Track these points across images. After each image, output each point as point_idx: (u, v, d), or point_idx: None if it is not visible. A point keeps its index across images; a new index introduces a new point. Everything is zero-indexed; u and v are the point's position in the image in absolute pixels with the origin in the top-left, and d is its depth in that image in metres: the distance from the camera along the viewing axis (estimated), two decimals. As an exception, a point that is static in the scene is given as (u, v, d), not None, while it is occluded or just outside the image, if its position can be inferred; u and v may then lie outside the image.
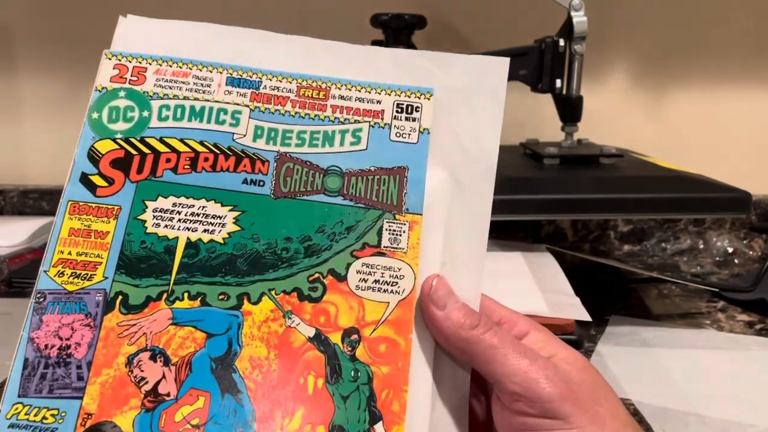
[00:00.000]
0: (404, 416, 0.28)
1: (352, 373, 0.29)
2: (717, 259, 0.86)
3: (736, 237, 0.89)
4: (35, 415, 0.27)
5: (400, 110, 0.33)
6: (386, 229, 0.31)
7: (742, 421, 0.45)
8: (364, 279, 0.30)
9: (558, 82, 0.72)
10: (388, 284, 0.30)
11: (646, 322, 0.63)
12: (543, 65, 0.72)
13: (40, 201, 0.94)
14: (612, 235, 0.90)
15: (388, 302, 0.30)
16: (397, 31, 0.74)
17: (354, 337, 0.29)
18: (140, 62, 0.34)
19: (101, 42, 1.02)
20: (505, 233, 0.79)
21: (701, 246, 0.89)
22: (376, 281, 0.30)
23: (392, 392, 0.29)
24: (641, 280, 0.76)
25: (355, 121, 0.33)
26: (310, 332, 0.29)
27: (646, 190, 0.63)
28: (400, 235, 0.31)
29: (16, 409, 0.27)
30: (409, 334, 0.30)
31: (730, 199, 0.63)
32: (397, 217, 0.31)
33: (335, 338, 0.29)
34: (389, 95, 0.33)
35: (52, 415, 0.27)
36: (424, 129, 0.33)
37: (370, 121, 0.33)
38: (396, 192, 0.31)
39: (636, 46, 0.91)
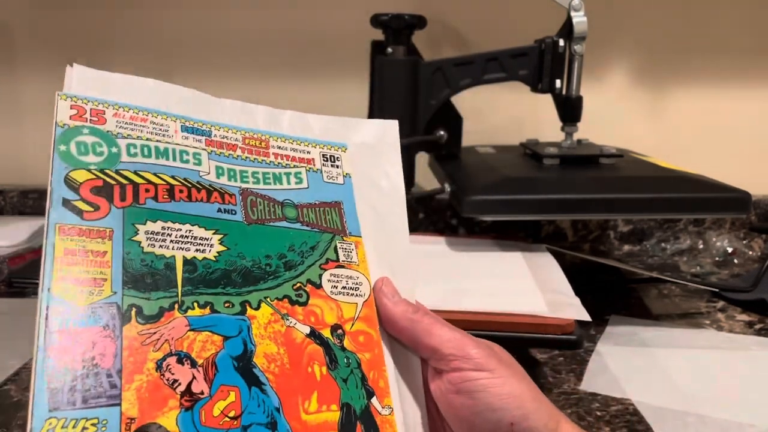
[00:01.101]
0: (389, 390, 0.35)
1: (345, 360, 0.34)
2: (717, 259, 0.86)
3: (736, 237, 0.89)
4: (74, 427, 0.27)
5: (325, 159, 0.40)
6: (340, 248, 0.38)
7: (741, 421, 0.45)
8: (335, 285, 0.36)
9: (558, 83, 0.72)
10: (352, 289, 0.37)
11: (645, 322, 0.63)
12: (543, 65, 0.72)
13: (40, 201, 0.94)
14: (612, 235, 0.90)
15: (357, 303, 0.36)
16: (397, 31, 0.74)
17: (339, 331, 0.35)
18: (96, 105, 0.36)
19: (101, 42, 1.03)
20: (505, 233, 0.79)
21: (701, 246, 0.89)
22: (344, 287, 0.37)
23: (376, 372, 0.35)
24: (641, 280, 0.76)
25: (294, 166, 0.39)
26: (306, 330, 0.34)
27: (646, 190, 0.63)
28: (351, 252, 0.38)
29: (50, 424, 0.26)
30: (377, 327, 0.36)
31: (729, 199, 0.63)
32: (345, 238, 0.38)
33: (326, 333, 0.35)
34: (315, 148, 0.40)
35: (93, 425, 0.27)
36: (346, 174, 0.41)
37: (305, 167, 0.40)
38: (338, 220, 0.38)
39: (636, 46, 0.91)
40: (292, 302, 0.34)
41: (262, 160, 0.38)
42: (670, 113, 0.93)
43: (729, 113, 0.92)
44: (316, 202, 0.38)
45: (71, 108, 0.36)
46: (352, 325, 0.36)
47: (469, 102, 0.79)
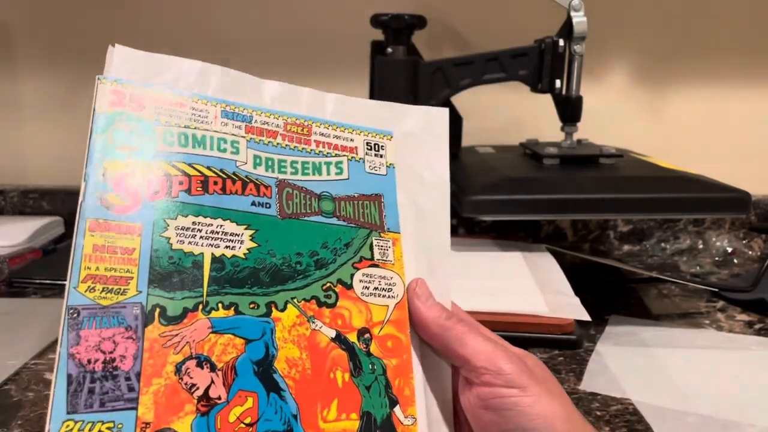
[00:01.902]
0: (414, 398, 0.34)
1: (370, 366, 0.33)
2: (716, 259, 0.86)
3: (736, 237, 0.89)
4: (90, 431, 0.27)
5: (369, 148, 0.39)
6: (376, 245, 0.36)
7: (741, 421, 0.45)
8: (366, 286, 0.35)
9: (558, 83, 0.72)
10: (384, 290, 0.35)
11: (645, 322, 0.63)
12: (543, 65, 0.72)
13: (40, 201, 0.94)
14: (612, 235, 0.90)
15: (388, 305, 0.35)
16: (397, 32, 0.74)
17: (366, 335, 0.34)
18: (137, 90, 0.35)
19: (101, 42, 1.02)
20: (505, 233, 0.79)
21: (701, 246, 0.89)
22: (375, 288, 0.35)
23: (402, 380, 0.34)
24: (641, 280, 0.76)
25: (336, 155, 0.38)
26: (332, 333, 0.33)
27: (645, 190, 0.63)
28: (387, 249, 0.36)
29: (68, 426, 0.27)
30: (407, 331, 0.35)
31: (729, 199, 0.63)
32: (382, 235, 0.37)
33: (352, 337, 0.34)
34: (359, 135, 0.39)
35: (108, 429, 0.27)
36: (390, 164, 0.39)
37: (347, 156, 0.38)
38: (377, 214, 0.37)
39: (636, 46, 0.91)
40: (320, 304, 0.34)
41: (303, 149, 0.37)
42: (670, 113, 0.93)
43: (729, 113, 0.92)
44: (356, 195, 0.37)
45: (111, 93, 0.35)
46: (381, 329, 0.34)
47: (469, 102, 0.79)
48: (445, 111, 0.41)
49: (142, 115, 0.34)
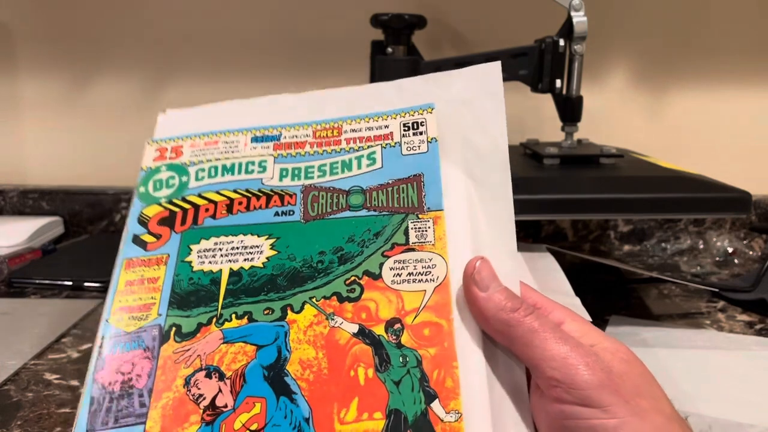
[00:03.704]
0: (459, 390, 0.29)
1: (401, 359, 0.30)
2: (717, 259, 0.86)
3: (736, 237, 0.89)
4: None
5: (406, 128, 0.36)
6: (412, 228, 0.33)
7: (742, 421, 0.45)
8: (398, 273, 0.32)
9: (558, 83, 0.72)
10: (421, 274, 0.32)
11: (646, 322, 0.63)
12: (543, 65, 0.72)
13: (40, 201, 0.94)
14: (612, 235, 0.90)
15: (425, 290, 0.32)
16: (397, 31, 0.74)
17: (397, 326, 0.31)
18: (177, 142, 0.39)
19: (101, 42, 1.03)
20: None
21: (701, 246, 0.89)
22: (410, 274, 0.32)
23: (443, 371, 0.30)
24: (641, 280, 0.76)
25: (368, 147, 0.36)
26: (354, 329, 0.31)
27: (646, 190, 0.63)
28: (426, 231, 0.33)
29: None
30: (450, 315, 0.31)
31: (730, 199, 0.63)
32: (420, 216, 0.34)
33: (379, 330, 0.31)
34: (395, 119, 0.37)
35: None
36: (431, 138, 0.36)
37: (381, 144, 0.36)
38: (415, 196, 0.34)
39: (636, 46, 0.91)
40: (341, 299, 0.32)
41: (332, 150, 0.37)
42: (670, 113, 0.93)
43: (729, 113, 0.92)
44: (390, 182, 0.35)
45: (155, 151, 0.39)
46: (416, 316, 0.31)
47: (469, 102, 0.79)
48: (497, 65, 0.37)
49: (179, 161, 0.38)
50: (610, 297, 0.70)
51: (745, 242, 0.89)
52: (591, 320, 0.54)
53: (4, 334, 0.59)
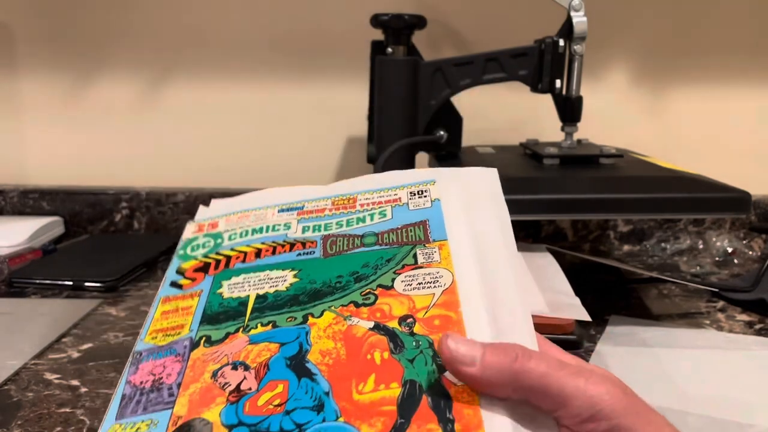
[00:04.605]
0: None
1: (414, 343, 0.32)
2: (717, 259, 0.86)
3: (736, 237, 0.89)
4: (131, 428, 0.30)
5: (412, 195, 0.42)
6: (420, 254, 0.37)
7: (741, 421, 0.45)
8: (409, 284, 0.35)
9: (558, 83, 0.72)
10: (430, 283, 0.35)
11: (645, 322, 0.63)
12: (543, 65, 0.72)
13: (40, 201, 0.94)
14: (612, 235, 0.90)
15: (434, 293, 0.34)
16: (397, 31, 0.74)
17: (409, 320, 0.33)
18: (213, 219, 0.45)
19: (101, 42, 1.03)
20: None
21: (701, 246, 0.89)
22: (419, 283, 0.35)
23: None
24: (641, 280, 0.76)
25: (380, 208, 0.41)
26: (369, 324, 0.33)
27: (646, 190, 0.63)
28: (432, 254, 0.37)
29: (114, 429, 0.31)
30: (458, 309, 0.33)
31: (729, 199, 0.63)
32: (427, 245, 0.37)
33: (392, 324, 0.33)
34: (402, 189, 0.42)
35: (146, 425, 0.30)
36: (435, 199, 0.41)
37: (391, 204, 0.41)
38: (422, 233, 0.38)
39: (636, 46, 0.91)
40: (358, 305, 0.34)
41: (348, 211, 0.42)
42: (670, 113, 0.93)
43: (729, 113, 0.92)
44: (399, 226, 0.39)
45: (194, 227, 0.44)
46: (426, 312, 0.33)
47: (469, 102, 0.79)
48: (494, 171, 0.42)
49: (215, 231, 0.43)
50: (610, 297, 0.70)
51: (744, 242, 0.89)
52: (591, 320, 0.55)
53: (5, 334, 0.59)
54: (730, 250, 0.88)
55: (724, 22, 0.90)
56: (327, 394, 0.30)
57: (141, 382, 0.33)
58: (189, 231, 0.44)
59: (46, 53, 0.93)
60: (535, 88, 0.73)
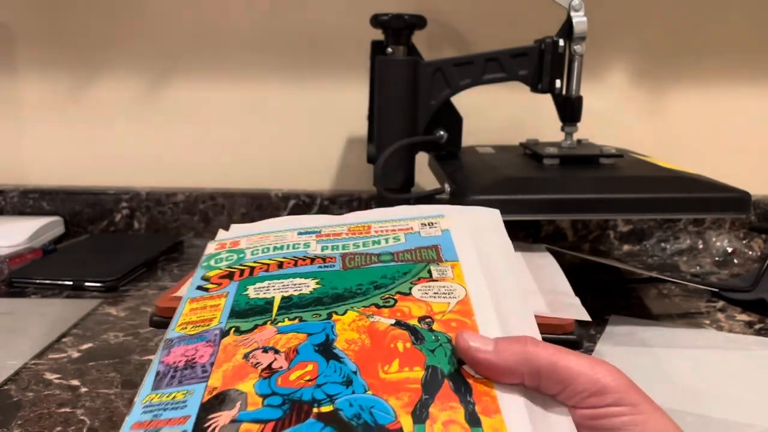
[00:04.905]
0: None
1: (433, 337, 0.34)
2: (716, 259, 0.86)
3: (736, 237, 0.89)
4: (167, 397, 0.32)
5: (423, 225, 0.45)
6: (434, 270, 0.40)
7: (741, 421, 0.45)
8: (425, 292, 0.38)
9: (558, 83, 0.72)
10: (445, 293, 0.38)
11: (645, 321, 0.63)
12: (543, 65, 0.72)
13: (40, 201, 0.94)
14: (612, 235, 0.90)
15: (449, 302, 0.37)
16: (397, 31, 0.74)
17: (428, 320, 0.35)
18: (234, 239, 0.47)
19: (101, 42, 1.03)
20: (505, 233, 0.79)
21: (701, 246, 0.89)
22: (435, 293, 0.38)
23: None
24: (641, 280, 0.76)
25: (393, 234, 0.45)
26: (391, 321, 0.36)
27: (645, 190, 0.63)
28: (446, 271, 0.40)
29: (150, 398, 0.32)
30: (472, 316, 0.36)
31: (729, 199, 0.63)
32: (440, 264, 0.41)
33: (413, 322, 0.35)
34: (413, 221, 0.46)
35: (182, 394, 0.32)
36: (444, 229, 0.44)
37: (404, 232, 0.45)
38: (435, 254, 0.42)
39: (635, 46, 0.91)
40: (379, 307, 0.37)
41: (363, 236, 0.45)
42: (670, 113, 0.93)
43: (729, 113, 0.92)
44: (413, 248, 0.42)
45: (215, 244, 0.47)
46: (443, 315, 0.36)
47: (469, 102, 0.79)
48: (496, 211, 0.46)
49: (237, 248, 0.45)
50: (610, 297, 0.70)
51: (744, 242, 0.89)
52: (591, 320, 0.55)
53: (5, 334, 0.59)
54: (729, 250, 0.88)
55: (723, 22, 0.90)
56: (355, 372, 0.32)
57: (174, 362, 0.34)
58: (211, 248, 0.47)
59: (46, 53, 0.93)
60: (535, 88, 0.73)
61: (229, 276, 0.42)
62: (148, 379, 0.33)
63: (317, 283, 0.40)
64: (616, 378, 0.30)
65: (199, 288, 0.41)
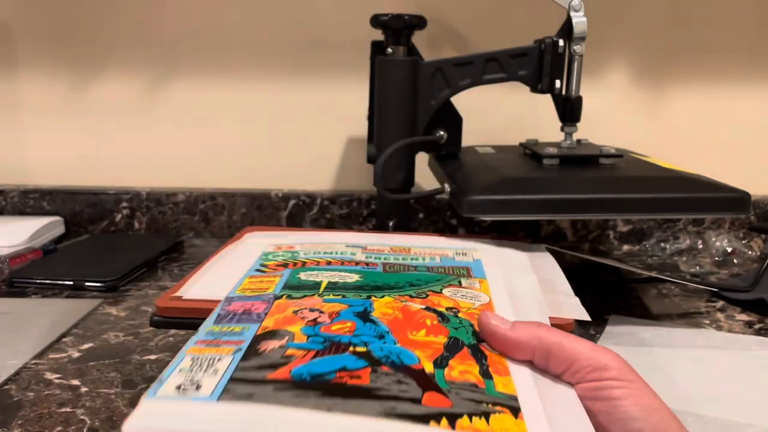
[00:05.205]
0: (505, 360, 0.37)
1: (458, 321, 0.40)
2: (716, 259, 0.87)
3: (736, 237, 0.89)
4: (227, 328, 0.38)
5: (458, 253, 0.54)
6: (464, 281, 0.47)
7: (741, 421, 0.46)
8: (454, 294, 0.45)
9: (557, 83, 0.72)
10: (471, 297, 0.45)
11: (645, 321, 0.63)
12: (542, 66, 0.72)
13: (40, 201, 0.94)
14: (611, 235, 0.91)
15: (474, 303, 0.44)
16: (397, 32, 0.74)
17: (454, 310, 0.41)
18: (289, 244, 0.57)
19: (101, 42, 1.03)
20: (505, 233, 0.79)
21: (700, 246, 0.89)
22: (463, 295, 0.45)
23: None
24: (640, 280, 0.76)
25: (430, 256, 0.53)
26: (422, 306, 0.41)
27: (645, 190, 0.63)
28: (474, 284, 0.47)
29: (212, 328, 0.38)
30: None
31: (729, 199, 0.63)
32: (469, 278, 0.48)
33: (441, 309, 0.41)
34: (449, 249, 0.55)
35: (239, 328, 0.37)
36: (476, 259, 0.53)
37: (440, 255, 0.54)
38: (465, 272, 0.49)
39: (636, 46, 0.91)
40: (412, 297, 0.43)
41: (403, 254, 0.53)
42: (670, 113, 0.93)
43: (729, 113, 0.92)
44: (447, 266, 0.50)
45: (274, 246, 0.56)
46: (468, 310, 0.42)
47: (469, 102, 0.79)
48: (524, 254, 0.56)
49: (292, 250, 0.54)
50: (610, 297, 0.70)
51: (744, 242, 0.89)
52: (591, 320, 0.55)
53: (5, 334, 0.60)
54: (729, 250, 0.88)
55: (723, 22, 0.90)
56: (387, 332, 0.37)
57: (233, 310, 0.40)
58: (269, 248, 0.55)
59: (46, 53, 0.93)
60: (534, 89, 0.73)
61: (284, 265, 0.50)
62: (210, 318, 0.39)
63: (360, 277, 0.47)
64: (615, 358, 0.34)
65: (257, 270, 0.49)
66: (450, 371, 0.33)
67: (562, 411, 0.32)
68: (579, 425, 0.32)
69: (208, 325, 0.38)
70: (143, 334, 0.60)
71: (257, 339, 0.35)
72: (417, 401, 0.30)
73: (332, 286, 0.44)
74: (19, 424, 0.45)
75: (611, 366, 0.33)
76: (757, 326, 0.63)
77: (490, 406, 0.31)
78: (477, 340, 0.37)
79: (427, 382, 0.32)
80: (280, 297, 0.42)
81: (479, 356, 0.35)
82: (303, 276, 0.46)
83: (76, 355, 0.56)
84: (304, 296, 0.42)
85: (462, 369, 0.34)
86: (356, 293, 0.43)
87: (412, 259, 0.51)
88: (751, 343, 0.59)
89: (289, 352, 0.34)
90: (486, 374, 0.34)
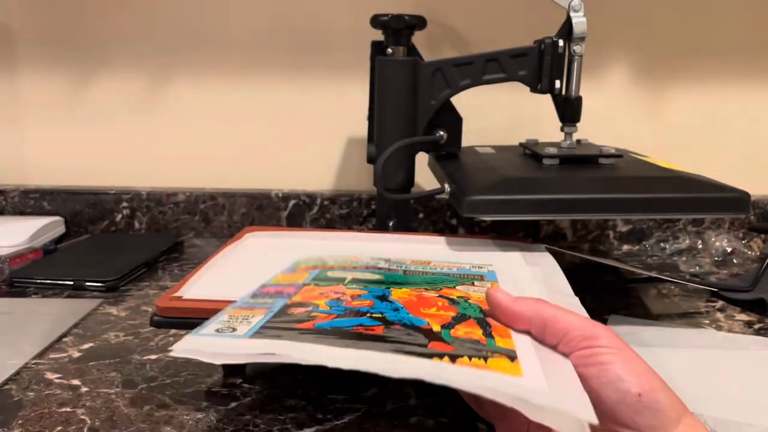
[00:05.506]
0: (510, 332, 0.39)
1: (467, 304, 0.44)
2: (716, 258, 0.87)
3: (735, 237, 0.89)
4: (260, 299, 0.45)
5: (474, 266, 0.56)
6: (477, 283, 0.50)
7: (741, 421, 0.46)
8: (467, 289, 0.48)
9: (557, 83, 0.72)
10: (482, 292, 0.47)
11: (645, 321, 0.63)
12: (542, 66, 0.72)
13: (41, 201, 0.94)
14: (611, 235, 0.91)
15: (484, 296, 0.45)
16: (397, 32, 0.74)
17: (465, 297, 0.46)
18: (319, 255, 0.59)
19: (101, 41, 1.03)
20: (505, 233, 0.79)
21: (700, 246, 0.89)
22: (474, 290, 0.48)
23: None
24: (640, 280, 0.76)
25: (448, 268, 0.56)
26: (435, 294, 0.46)
27: (645, 190, 0.63)
28: (486, 285, 0.50)
29: (247, 300, 0.45)
30: None
31: (729, 199, 0.63)
32: (483, 281, 0.51)
33: (452, 297, 0.46)
34: (466, 264, 0.57)
35: (272, 300, 0.44)
36: (491, 270, 0.55)
37: (457, 267, 0.56)
38: (479, 278, 0.52)
39: (636, 46, 0.91)
40: (428, 290, 0.47)
41: (423, 265, 0.56)
42: (670, 113, 0.93)
43: (729, 113, 0.93)
44: (462, 274, 0.53)
45: (304, 257, 0.59)
46: (478, 299, 0.45)
47: (469, 102, 0.79)
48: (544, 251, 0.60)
49: (320, 259, 0.57)
50: (609, 297, 0.70)
51: (743, 242, 0.89)
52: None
53: (6, 334, 0.60)
54: (729, 249, 0.88)
55: (723, 22, 0.90)
56: (402, 308, 0.42)
57: (266, 292, 0.47)
58: (299, 258, 0.59)
59: (46, 53, 0.93)
60: (534, 89, 0.73)
61: (314, 267, 0.55)
62: (246, 294, 0.46)
63: (381, 276, 0.51)
64: (605, 329, 0.37)
65: (289, 269, 0.54)
66: (455, 331, 0.38)
67: (554, 365, 0.36)
68: (569, 376, 0.35)
69: (245, 297, 0.45)
70: (143, 334, 0.60)
71: (287, 306, 0.43)
72: (423, 346, 0.35)
73: (356, 280, 0.50)
74: (20, 423, 0.45)
75: (601, 335, 0.36)
76: (756, 326, 0.63)
77: (489, 353, 0.36)
78: (483, 315, 0.41)
79: (433, 336, 0.37)
80: (308, 284, 0.49)
81: (484, 324, 0.40)
82: (330, 273, 0.52)
83: (76, 355, 0.56)
84: (330, 283, 0.49)
85: (467, 330, 0.38)
86: (377, 284, 0.48)
87: (431, 268, 0.55)
88: (751, 342, 0.59)
89: (314, 314, 0.41)
90: (488, 335, 0.38)
